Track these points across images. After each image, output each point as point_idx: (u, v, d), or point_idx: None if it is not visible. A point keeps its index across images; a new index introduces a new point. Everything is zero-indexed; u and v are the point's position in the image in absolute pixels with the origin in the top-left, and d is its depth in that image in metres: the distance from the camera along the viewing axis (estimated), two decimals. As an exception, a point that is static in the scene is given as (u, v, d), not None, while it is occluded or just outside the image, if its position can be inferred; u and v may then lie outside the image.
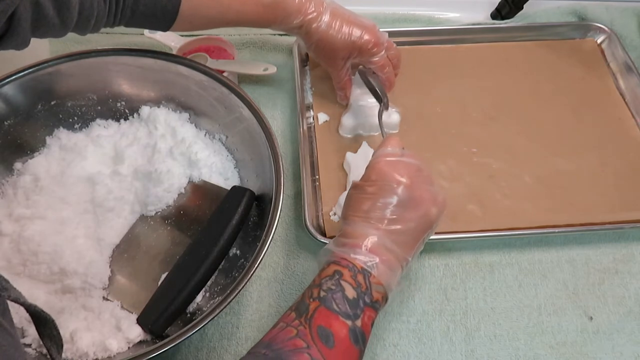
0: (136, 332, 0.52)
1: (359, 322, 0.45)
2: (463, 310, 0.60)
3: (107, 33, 0.83)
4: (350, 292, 0.45)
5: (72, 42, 0.82)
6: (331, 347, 0.42)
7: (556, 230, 0.63)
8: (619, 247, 0.65)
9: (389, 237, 0.48)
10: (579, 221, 0.64)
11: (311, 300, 0.45)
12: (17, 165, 0.62)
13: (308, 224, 0.61)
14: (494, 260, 0.63)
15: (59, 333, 0.41)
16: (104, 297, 0.56)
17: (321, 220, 0.64)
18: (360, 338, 0.45)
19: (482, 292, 0.61)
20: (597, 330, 0.59)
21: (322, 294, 0.45)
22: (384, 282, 0.47)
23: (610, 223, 0.64)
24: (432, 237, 0.62)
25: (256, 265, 0.50)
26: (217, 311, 0.47)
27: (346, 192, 0.63)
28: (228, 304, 0.48)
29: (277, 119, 0.75)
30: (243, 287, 0.49)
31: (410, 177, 0.50)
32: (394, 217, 0.48)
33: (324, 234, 0.62)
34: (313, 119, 0.73)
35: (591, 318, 0.60)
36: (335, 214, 0.64)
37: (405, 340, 0.58)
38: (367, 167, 0.52)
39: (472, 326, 0.59)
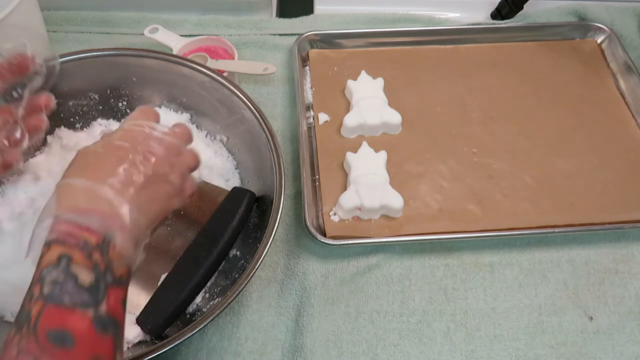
0: (135, 333, 0.52)
1: (103, 307, 0.37)
2: (463, 310, 0.60)
3: (107, 33, 0.83)
4: (86, 277, 0.37)
5: (73, 42, 0.82)
6: (71, 347, 0.35)
7: (556, 230, 0.63)
8: (619, 247, 0.65)
9: (132, 203, 0.41)
10: (579, 221, 0.64)
11: (33, 302, 0.36)
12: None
13: (308, 224, 0.61)
14: (494, 260, 0.63)
15: None
16: (104, 297, 0.56)
17: (321, 220, 0.64)
18: (110, 324, 0.37)
19: (482, 292, 0.61)
20: (597, 330, 0.59)
21: (47, 290, 0.36)
22: (127, 254, 0.40)
23: (610, 223, 0.64)
24: (432, 237, 0.63)
25: (256, 267, 0.50)
26: (217, 312, 0.47)
27: (346, 192, 0.64)
28: (227, 305, 0.48)
29: (277, 119, 0.75)
30: (242, 289, 0.49)
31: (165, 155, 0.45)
32: (142, 182, 0.42)
33: (324, 234, 0.62)
34: (313, 119, 0.73)
35: (591, 318, 0.60)
36: (335, 214, 0.64)
37: (406, 340, 0.58)
38: (119, 129, 0.46)
39: (472, 326, 0.59)
